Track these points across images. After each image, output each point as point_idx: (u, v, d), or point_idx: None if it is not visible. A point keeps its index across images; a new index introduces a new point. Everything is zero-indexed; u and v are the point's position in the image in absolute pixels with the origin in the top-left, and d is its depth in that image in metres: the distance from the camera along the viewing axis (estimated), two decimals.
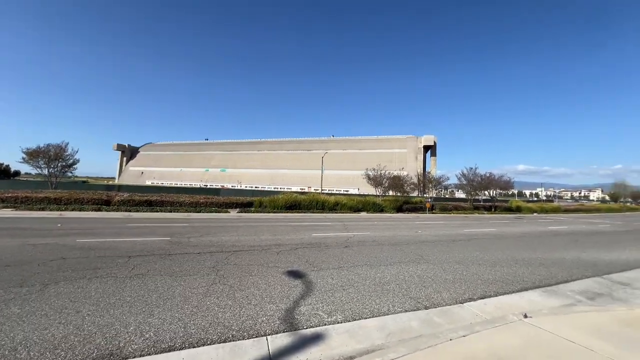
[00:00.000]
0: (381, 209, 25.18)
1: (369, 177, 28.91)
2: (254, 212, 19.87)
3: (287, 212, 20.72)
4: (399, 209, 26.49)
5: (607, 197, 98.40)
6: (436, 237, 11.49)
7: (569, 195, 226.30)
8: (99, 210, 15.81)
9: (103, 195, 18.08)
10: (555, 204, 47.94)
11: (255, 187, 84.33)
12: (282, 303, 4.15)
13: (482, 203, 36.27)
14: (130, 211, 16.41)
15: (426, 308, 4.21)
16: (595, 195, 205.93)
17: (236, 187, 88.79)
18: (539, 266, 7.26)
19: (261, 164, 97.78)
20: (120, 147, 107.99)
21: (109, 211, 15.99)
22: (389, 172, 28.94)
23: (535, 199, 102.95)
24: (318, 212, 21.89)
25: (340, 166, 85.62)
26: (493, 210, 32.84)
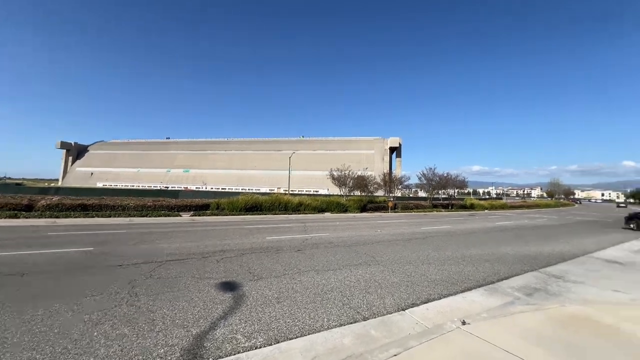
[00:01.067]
0: (345, 209, 25.14)
1: (333, 177, 28.78)
2: (209, 215, 18.51)
3: (247, 215, 19.66)
4: (363, 209, 26.71)
5: (544, 194, 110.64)
6: (393, 237, 11.46)
7: (515, 193, 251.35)
8: (16, 217, 13.41)
9: (24, 200, 15.47)
10: (503, 201, 52.47)
11: (222, 189, 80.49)
12: (196, 326, 3.46)
13: (441, 201, 38.21)
14: (57, 217, 14.19)
15: (365, 319, 3.81)
16: (535, 192, 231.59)
17: (201, 189, 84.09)
18: (485, 262, 7.39)
19: (228, 164, 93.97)
20: (64, 145, 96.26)
21: (31, 218, 13.66)
22: (353, 172, 29.08)
23: (487, 196, 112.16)
24: (280, 214, 21.14)
25: (310, 167, 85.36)
26: (450, 208, 34.72)
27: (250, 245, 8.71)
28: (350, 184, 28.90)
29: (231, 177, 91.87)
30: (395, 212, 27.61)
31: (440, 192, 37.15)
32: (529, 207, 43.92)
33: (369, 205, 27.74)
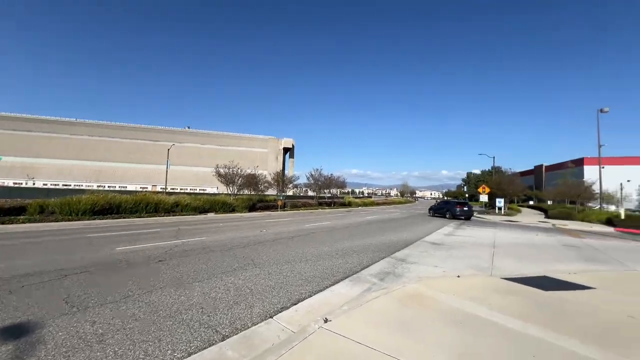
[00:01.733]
0: (232, 209, 23.51)
1: (219, 174, 26.38)
2: (22, 223, 12.98)
3: (95, 219, 15.07)
4: (252, 208, 25.80)
5: (399, 194, 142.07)
6: (277, 235, 11.36)
7: (380, 192, 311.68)
8: None
9: None
10: (372, 199, 63.62)
11: (65, 185, 59.78)
12: None
13: (326, 199, 42.08)
14: None
15: (223, 338, 3.25)
16: (393, 192, 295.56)
17: (23, 185, 59.92)
18: (353, 254, 8.27)
19: (78, 153, 71.51)
20: None
21: None
22: (243, 170, 27.65)
23: (361, 195, 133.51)
24: (148, 217, 17.40)
25: (198, 162, 76.04)
26: (332, 205, 38.72)
27: (83, 263, 6.46)
28: (239, 182, 27.34)
29: (83, 170, 70.86)
30: (284, 210, 28.12)
31: (325, 191, 40.82)
32: (388, 204, 54.86)
33: (258, 204, 27.08)
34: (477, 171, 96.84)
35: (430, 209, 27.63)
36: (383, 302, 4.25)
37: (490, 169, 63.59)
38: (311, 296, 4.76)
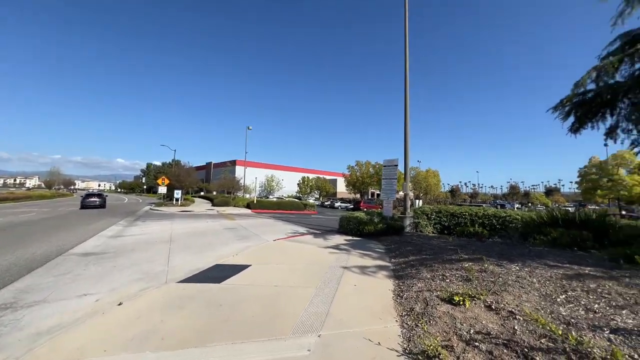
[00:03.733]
0: None
1: None
2: None
3: None
4: None
5: (42, 185, 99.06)
6: None
7: (2, 182, 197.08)
8: None
9: None
10: None
11: None
12: None
13: None
14: None
15: None
16: (32, 182, 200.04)
17: None
18: None
19: None
20: None
21: None
22: None
23: None
24: None
25: None
26: None
27: None
28: None
29: None
30: None
31: None
32: (16, 199, 35.13)
33: None
34: (158, 163, 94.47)
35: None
36: None
37: (171, 161, 64.76)
38: None
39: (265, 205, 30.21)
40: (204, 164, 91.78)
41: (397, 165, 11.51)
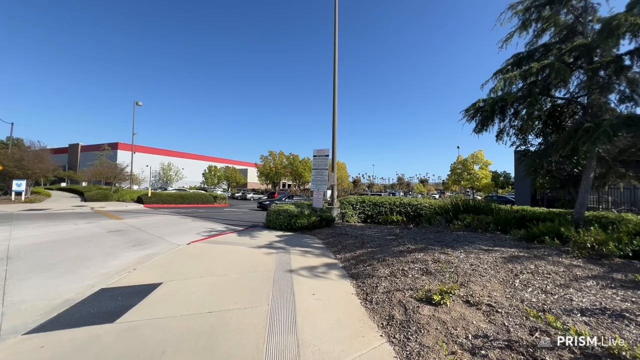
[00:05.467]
0: None
1: None
2: None
3: None
4: None
5: None
6: None
7: None
8: None
9: None
10: None
11: None
12: None
13: None
14: None
15: None
16: None
17: None
18: None
19: None
20: None
21: None
22: None
23: None
24: None
25: None
26: None
27: None
28: None
29: None
30: None
31: None
32: None
33: None
34: None
35: None
36: None
37: (6, 139, 45.76)
38: None
39: (164, 198, 25.14)
40: (66, 145, 69.92)
41: (327, 155, 11.22)
